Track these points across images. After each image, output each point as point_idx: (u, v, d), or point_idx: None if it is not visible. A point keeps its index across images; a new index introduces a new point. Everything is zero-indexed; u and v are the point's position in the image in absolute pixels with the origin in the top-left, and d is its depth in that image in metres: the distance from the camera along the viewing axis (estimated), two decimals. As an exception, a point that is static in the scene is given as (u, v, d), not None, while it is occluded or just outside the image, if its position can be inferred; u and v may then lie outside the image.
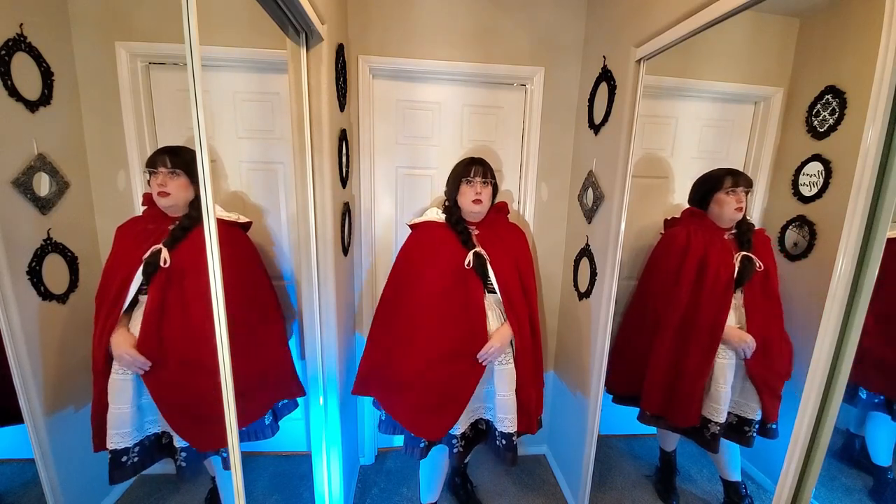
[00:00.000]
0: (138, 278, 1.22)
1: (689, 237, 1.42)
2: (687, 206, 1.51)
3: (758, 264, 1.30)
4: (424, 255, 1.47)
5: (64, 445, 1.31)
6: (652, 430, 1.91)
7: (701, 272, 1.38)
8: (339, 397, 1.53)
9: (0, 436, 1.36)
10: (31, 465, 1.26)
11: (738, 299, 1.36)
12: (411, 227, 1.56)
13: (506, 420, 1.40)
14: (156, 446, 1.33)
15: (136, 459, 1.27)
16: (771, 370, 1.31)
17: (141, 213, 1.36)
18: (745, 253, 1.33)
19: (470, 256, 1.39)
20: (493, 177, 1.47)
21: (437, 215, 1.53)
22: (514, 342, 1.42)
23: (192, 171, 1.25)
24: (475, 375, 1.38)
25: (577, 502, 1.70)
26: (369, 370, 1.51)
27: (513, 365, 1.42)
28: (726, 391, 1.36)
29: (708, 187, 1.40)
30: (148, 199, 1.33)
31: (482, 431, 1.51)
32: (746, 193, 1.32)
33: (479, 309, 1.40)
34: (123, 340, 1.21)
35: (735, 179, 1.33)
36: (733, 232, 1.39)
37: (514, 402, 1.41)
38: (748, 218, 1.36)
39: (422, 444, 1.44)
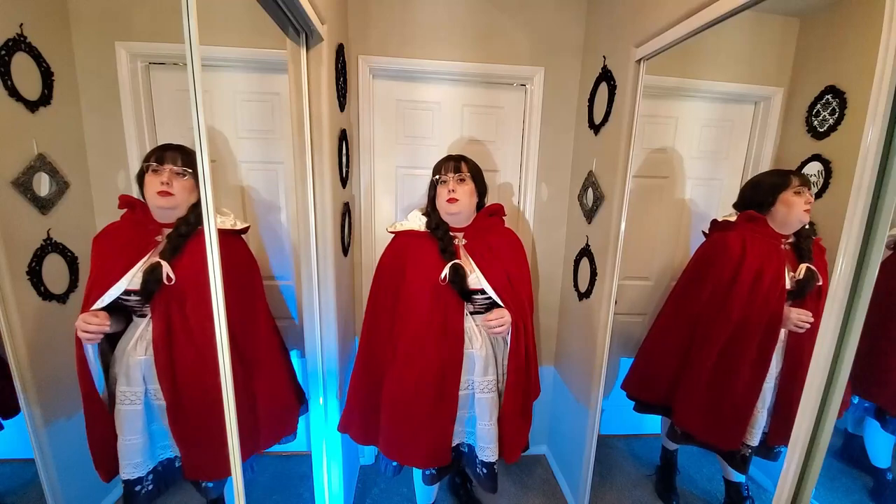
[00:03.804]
0: (119, 287, 1.07)
1: (745, 246, 1.29)
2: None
3: (818, 279, 1.18)
4: (401, 270, 1.32)
5: (64, 445, 1.31)
6: (652, 429, 1.91)
7: (755, 286, 1.26)
8: (339, 397, 1.53)
9: (0, 436, 1.36)
10: (31, 465, 1.26)
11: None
12: (392, 234, 1.41)
13: (487, 449, 1.31)
14: (169, 470, 1.28)
15: (150, 487, 1.22)
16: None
17: (119, 219, 1.18)
18: (808, 265, 1.20)
19: (446, 270, 1.22)
20: (474, 171, 1.31)
21: (418, 221, 1.37)
22: (508, 373, 1.30)
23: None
24: (451, 409, 1.29)
25: (577, 502, 1.70)
26: (353, 404, 1.42)
27: (495, 394, 1.32)
28: (763, 415, 1.31)
29: (772, 188, 1.25)
30: (127, 201, 1.15)
31: (461, 454, 1.42)
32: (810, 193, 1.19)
33: (456, 332, 1.26)
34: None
35: (802, 178, 1.18)
36: (790, 241, 1.26)
37: (496, 433, 1.32)
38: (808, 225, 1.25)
39: (394, 464, 1.39)
